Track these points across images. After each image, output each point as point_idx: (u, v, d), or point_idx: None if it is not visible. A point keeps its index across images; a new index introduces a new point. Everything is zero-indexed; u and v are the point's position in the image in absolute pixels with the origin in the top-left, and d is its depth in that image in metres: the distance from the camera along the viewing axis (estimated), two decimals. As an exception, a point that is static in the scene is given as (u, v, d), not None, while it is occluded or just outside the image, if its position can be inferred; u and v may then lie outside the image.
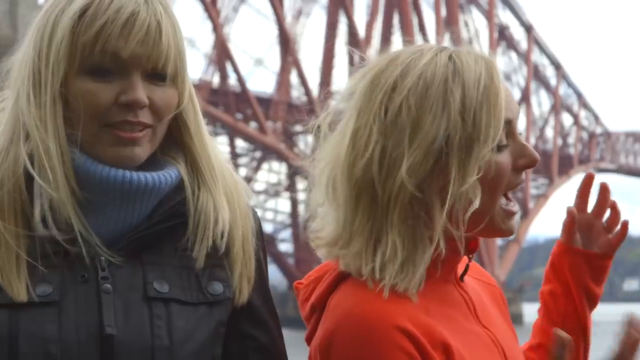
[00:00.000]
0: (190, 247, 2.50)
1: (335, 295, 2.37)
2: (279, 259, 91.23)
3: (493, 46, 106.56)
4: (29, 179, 2.43)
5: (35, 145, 2.42)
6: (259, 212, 2.64)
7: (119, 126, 2.42)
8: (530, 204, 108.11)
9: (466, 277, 2.45)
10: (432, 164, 2.29)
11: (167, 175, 2.49)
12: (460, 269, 2.44)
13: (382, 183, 2.30)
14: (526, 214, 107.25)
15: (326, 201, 2.40)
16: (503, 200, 2.39)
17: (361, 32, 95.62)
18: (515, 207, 2.40)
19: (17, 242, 2.40)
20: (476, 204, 2.31)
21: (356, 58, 2.45)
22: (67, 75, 2.42)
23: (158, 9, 2.45)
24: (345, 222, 2.35)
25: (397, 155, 2.29)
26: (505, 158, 2.38)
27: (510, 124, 2.38)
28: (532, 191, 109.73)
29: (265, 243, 2.67)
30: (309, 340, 2.44)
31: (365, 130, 2.32)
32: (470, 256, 2.44)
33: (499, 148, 2.38)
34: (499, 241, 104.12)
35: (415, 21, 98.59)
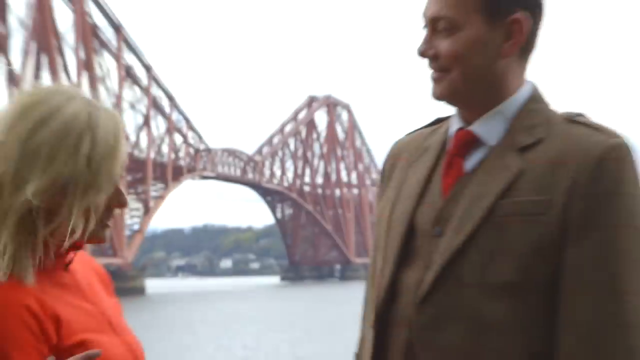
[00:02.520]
0: None
1: None
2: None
3: (121, 82, 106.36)
4: None
5: None
6: None
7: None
8: (151, 203, 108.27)
9: (78, 266, 2.38)
10: (54, 194, 2.21)
11: None
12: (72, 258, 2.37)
13: (8, 194, 2.21)
14: (148, 210, 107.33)
15: None
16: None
17: (17, 69, 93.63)
18: (110, 221, 2.35)
19: None
20: (77, 235, 2.25)
21: (11, 90, 2.36)
22: None
23: None
24: None
25: (27, 176, 2.20)
26: (102, 201, 2.30)
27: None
28: (152, 193, 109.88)
29: None
30: None
31: (7, 146, 2.21)
32: (76, 251, 2.35)
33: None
34: (127, 231, 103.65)
35: (60, 61, 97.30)
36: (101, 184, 2.26)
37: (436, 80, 2.28)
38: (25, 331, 2.17)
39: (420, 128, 2.48)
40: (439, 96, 2.29)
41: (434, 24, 2.26)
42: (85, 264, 2.45)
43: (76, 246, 2.33)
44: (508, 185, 2.20)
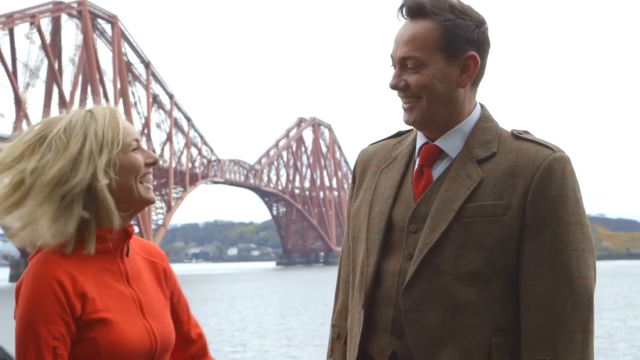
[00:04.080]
0: None
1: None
2: None
3: (149, 107, 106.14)
4: None
5: None
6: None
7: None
8: (172, 203, 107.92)
9: (135, 255, 2.33)
10: (74, 168, 2.18)
11: None
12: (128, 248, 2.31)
13: (32, 180, 2.17)
14: (170, 209, 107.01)
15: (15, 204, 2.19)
16: (140, 186, 2.26)
17: (67, 96, 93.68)
18: (150, 184, 2.28)
19: None
20: (109, 198, 2.19)
21: (62, 112, 2.31)
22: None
23: None
24: (26, 214, 2.18)
25: (46, 162, 2.18)
26: (138, 157, 2.25)
27: (137, 141, 2.27)
28: (173, 195, 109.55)
29: None
30: None
31: (42, 153, 2.19)
32: (127, 240, 2.28)
33: (134, 151, 2.26)
34: (153, 225, 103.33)
35: (101, 90, 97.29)
36: (111, 143, 2.22)
37: (408, 109, 2.27)
38: (54, 300, 2.12)
39: (384, 139, 2.46)
40: (412, 122, 2.28)
41: (402, 63, 2.26)
42: (145, 256, 2.37)
43: (128, 234, 2.27)
44: (472, 191, 2.20)
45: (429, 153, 2.30)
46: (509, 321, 2.17)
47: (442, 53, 2.23)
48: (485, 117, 2.31)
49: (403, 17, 2.29)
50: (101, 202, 2.19)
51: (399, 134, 2.44)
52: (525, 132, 2.29)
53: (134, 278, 2.28)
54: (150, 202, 2.27)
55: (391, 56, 2.29)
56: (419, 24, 2.25)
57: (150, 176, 2.29)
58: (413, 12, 2.26)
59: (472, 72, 2.26)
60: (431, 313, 2.18)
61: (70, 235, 2.17)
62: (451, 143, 2.28)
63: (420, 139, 2.32)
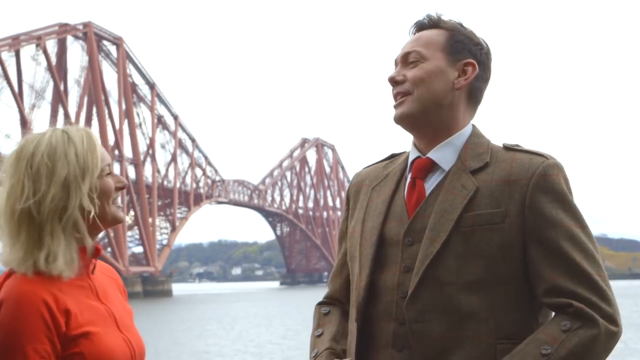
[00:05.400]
0: None
1: (3, 286, 2.20)
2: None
3: (154, 128, 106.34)
4: None
5: None
6: None
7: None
8: (177, 223, 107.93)
9: (98, 274, 2.38)
10: (66, 193, 2.22)
11: None
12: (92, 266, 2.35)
13: (37, 211, 2.21)
14: (174, 229, 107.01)
15: None
16: (113, 207, 2.32)
17: (73, 117, 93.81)
18: (119, 204, 2.34)
19: None
20: (92, 212, 2.25)
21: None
22: None
23: None
24: (10, 242, 2.22)
25: (43, 192, 2.21)
26: (111, 182, 2.31)
27: (110, 166, 2.32)
28: (178, 215, 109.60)
29: None
30: None
31: (19, 183, 2.23)
32: (95, 258, 2.33)
33: (107, 175, 2.31)
34: (157, 245, 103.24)
35: (106, 111, 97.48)
36: (92, 168, 2.26)
37: (398, 104, 2.31)
38: (40, 321, 2.14)
39: (377, 162, 2.49)
40: (399, 117, 2.31)
41: (405, 58, 2.33)
42: (107, 274, 2.43)
43: (97, 254, 2.32)
44: (468, 201, 2.20)
45: (422, 166, 2.32)
46: (513, 328, 2.17)
47: (444, 53, 2.31)
48: (476, 134, 2.34)
49: (414, 34, 2.38)
50: (74, 226, 2.23)
51: (392, 156, 2.47)
52: (516, 145, 2.31)
53: (103, 294, 2.33)
54: (121, 221, 2.34)
55: (395, 60, 2.36)
56: (428, 30, 2.36)
57: (119, 199, 2.35)
58: (425, 26, 2.37)
59: (469, 77, 2.31)
60: (436, 323, 2.17)
61: (76, 260, 2.23)
62: (444, 156, 2.29)
63: (413, 154, 2.35)
